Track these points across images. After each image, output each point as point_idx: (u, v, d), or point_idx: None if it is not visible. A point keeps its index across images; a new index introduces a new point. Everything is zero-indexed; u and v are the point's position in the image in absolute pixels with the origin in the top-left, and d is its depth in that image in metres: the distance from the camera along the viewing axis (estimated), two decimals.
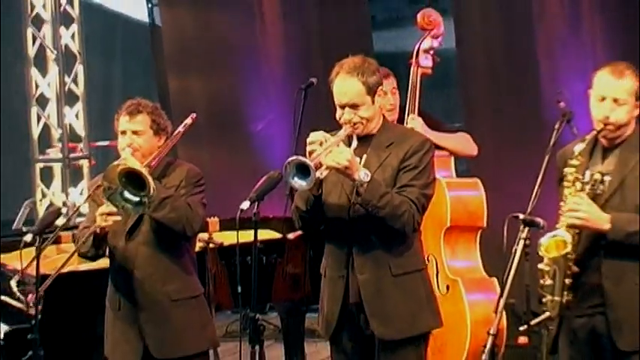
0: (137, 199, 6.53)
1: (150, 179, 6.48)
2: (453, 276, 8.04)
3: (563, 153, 6.41)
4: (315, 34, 10.89)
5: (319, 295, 8.55)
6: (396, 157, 6.45)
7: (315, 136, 6.30)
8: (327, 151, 6.19)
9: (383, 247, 6.42)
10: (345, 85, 6.48)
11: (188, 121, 7.21)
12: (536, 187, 6.35)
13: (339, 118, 6.53)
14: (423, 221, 7.88)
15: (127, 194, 6.52)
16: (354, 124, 6.45)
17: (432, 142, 7.91)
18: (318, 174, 6.10)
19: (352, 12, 11.31)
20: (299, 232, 8.75)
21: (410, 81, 8.38)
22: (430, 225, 8.08)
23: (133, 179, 6.53)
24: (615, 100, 6.16)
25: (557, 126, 6.67)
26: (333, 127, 6.84)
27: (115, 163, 6.64)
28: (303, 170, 6.06)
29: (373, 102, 6.49)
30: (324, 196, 6.46)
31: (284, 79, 10.47)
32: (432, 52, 8.49)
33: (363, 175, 6.19)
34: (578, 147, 6.22)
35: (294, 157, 6.11)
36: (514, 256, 6.28)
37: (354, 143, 6.42)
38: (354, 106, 6.45)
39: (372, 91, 6.46)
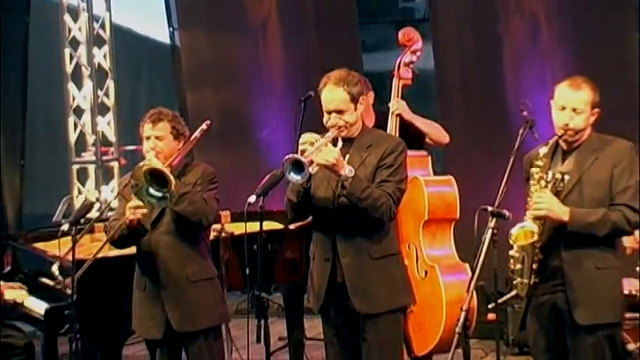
0: (160, 194, 6.57)
1: (171, 177, 6.53)
2: (430, 262, 8.02)
3: (529, 156, 6.44)
4: (313, 55, 10.87)
5: None
6: (375, 157, 6.52)
7: (306, 136, 6.37)
8: (318, 150, 6.25)
9: (363, 234, 6.49)
10: (332, 94, 6.55)
11: (203, 126, 7.22)
12: (503, 184, 6.38)
13: (326, 123, 6.58)
14: (404, 214, 8.05)
15: (151, 190, 6.56)
16: (339, 127, 6.50)
17: (409, 121, 8.34)
18: (310, 170, 6.15)
19: (345, 36, 11.34)
20: (299, 224, 8.79)
21: (392, 92, 8.37)
22: (411, 218, 8.11)
23: (156, 177, 6.58)
24: (574, 110, 6.19)
25: (520, 132, 6.70)
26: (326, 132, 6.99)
27: (141, 163, 6.68)
28: (298, 166, 6.15)
29: (356, 109, 6.56)
30: (313, 190, 6.52)
31: (285, 93, 10.45)
32: (411, 65, 8.47)
33: (347, 171, 6.29)
34: (542, 150, 6.27)
35: (290, 155, 6.19)
36: (483, 244, 6.31)
37: (339, 144, 6.45)
38: (340, 112, 6.51)
39: (355, 99, 6.53)
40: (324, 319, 6.72)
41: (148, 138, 7.06)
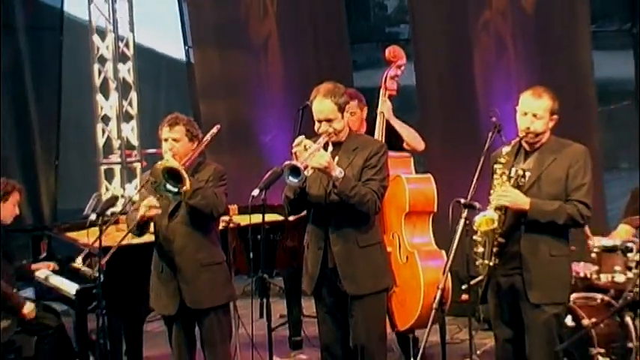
0: (176, 189, 6.61)
1: (185, 175, 6.57)
2: (411, 249, 8.02)
3: (494, 155, 6.46)
4: (309, 71, 10.86)
5: None
6: (361, 158, 6.58)
7: (299, 140, 6.41)
8: (312, 155, 6.30)
9: (351, 225, 6.55)
10: (322, 105, 6.57)
11: (214, 130, 7.24)
12: (474, 180, 6.42)
13: (318, 130, 6.62)
14: (389, 207, 8.11)
15: (168, 186, 6.59)
16: (329, 133, 6.55)
17: (392, 125, 8.31)
18: (305, 173, 6.22)
19: (338, 56, 11.31)
20: (298, 216, 8.78)
21: (379, 102, 8.36)
22: (394, 210, 8.12)
23: (172, 175, 6.61)
24: (534, 115, 6.23)
25: (490, 135, 6.73)
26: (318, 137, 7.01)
27: (159, 163, 6.70)
28: (296, 171, 6.22)
29: (342, 117, 6.60)
30: (307, 189, 6.58)
31: (285, 103, 10.46)
32: (396, 78, 8.44)
33: (338, 172, 6.35)
34: (506, 149, 6.31)
35: (288, 162, 6.26)
36: (457, 232, 6.33)
37: (330, 148, 6.52)
38: (329, 121, 6.55)
39: (341, 109, 6.58)
40: (316, 300, 6.79)
41: (165, 140, 7.06)
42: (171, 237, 6.95)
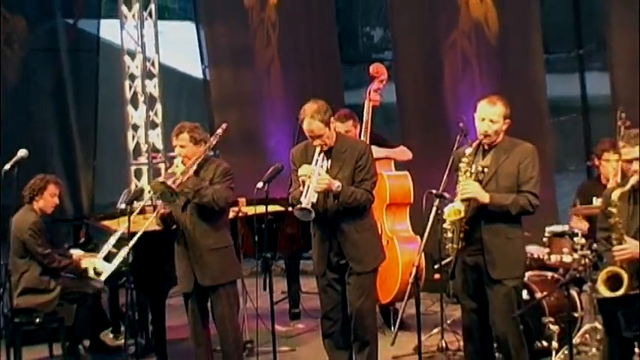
0: (172, 197, 6.77)
1: (173, 186, 6.72)
2: (391, 234, 8.08)
3: (457, 153, 6.47)
4: (306, 88, 10.79)
5: (309, 246, 8.78)
6: (351, 160, 6.63)
7: (304, 169, 6.48)
8: (314, 183, 6.37)
9: (350, 218, 6.58)
10: (311, 125, 6.57)
11: (219, 130, 7.27)
12: (445, 175, 6.46)
13: (312, 143, 6.64)
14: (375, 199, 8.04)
15: (168, 195, 6.69)
16: (321, 145, 6.59)
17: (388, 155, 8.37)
18: (313, 199, 6.35)
19: (332, 77, 11.27)
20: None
21: (364, 111, 8.35)
22: (377, 202, 8.05)
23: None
24: (490, 120, 6.21)
25: (457, 138, 6.77)
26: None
27: (153, 181, 7.21)
28: (307, 210, 6.34)
29: (329, 129, 6.61)
30: None
31: (285, 114, 10.41)
32: (379, 91, 8.44)
33: (336, 186, 6.45)
34: (468, 150, 6.28)
35: (299, 207, 6.37)
36: (430, 217, 6.33)
37: (327, 163, 6.62)
38: (319, 136, 6.57)
39: (327, 123, 6.59)
40: (321, 278, 6.78)
41: (174, 147, 7.12)
42: (185, 226, 6.98)
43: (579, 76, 9.90)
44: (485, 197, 6.17)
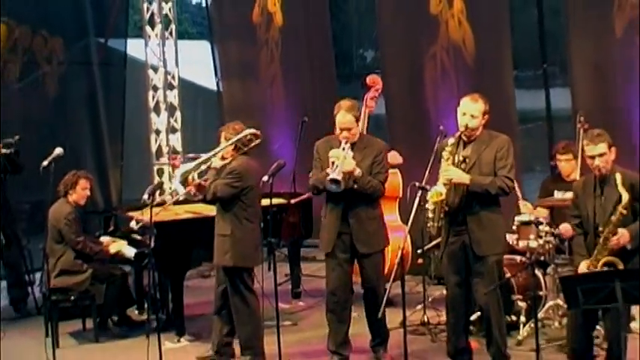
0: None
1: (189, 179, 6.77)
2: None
3: (440, 145, 6.46)
4: (305, 100, 10.84)
5: (309, 235, 8.92)
6: (371, 155, 6.71)
7: (336, 152, 6.51)
8: (343, 163, 6.42)
9: (363, 204, 6.64)
10: (344, 118, 6.60)
11: (241, 135, 7.07)
12: (427, 171, 6.39)
13: (339, 135, 6.66)
14: None
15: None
16: (348, 138, 6.59)
17: None
18: (339, 177, 6.37)
19: (328, 91, 11.11)
20: (298, 199, 8.77)
21: (362, 113, 8.32)
22: None
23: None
24: (471, 115, 6.24)
25: (438, 139, 6.71)
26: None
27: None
28: (336, 182, 6.35)
29: (358, 125, 6.70)
30: None
31: (288, 122, 10.46)
32: (374, 98, 8.45)
33: (358, 172, 6.51)
34: (450, 140, 6.34)
35: (332, 176, 6.38)
36: (413, 208, 6.31)
37: (351, 154, 6.60)
38: (349, 129, 6.59)
39: (357, 120, 6.67)
40: (330, 256, 6.79)
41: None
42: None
43: (544, 91, 9.89)
44: (465, 178, 6.21)
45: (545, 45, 9.94)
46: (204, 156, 6.88)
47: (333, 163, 6.48)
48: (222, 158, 7.01)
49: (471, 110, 6.33)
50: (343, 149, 6.58)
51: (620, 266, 5.82)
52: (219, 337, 6.98)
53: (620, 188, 5.83)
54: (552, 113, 9.82)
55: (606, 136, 5.99)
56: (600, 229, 5.92)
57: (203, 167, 6.83)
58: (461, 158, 6.35)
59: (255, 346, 6.83)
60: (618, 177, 5.87)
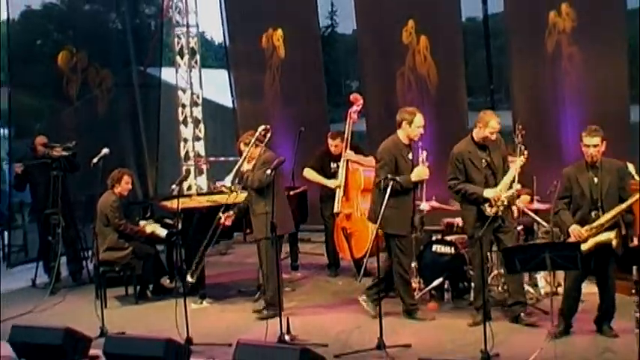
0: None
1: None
2: (362, 210, 7.94)
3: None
4: (301, 115, 10.61)
5: (305, 220, 8.90)
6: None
7: (422, 173, 6.66)
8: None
9: None
10: (422, 120, 6.61)
11: (257, 132, 7.13)
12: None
13: (417, 136, 6.61)
14: (353, 187, 8.13)
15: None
16: (421, 135, 6.58)
17: (357, 160, 8.19)
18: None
19: (319, 113, 10.97)
20: (295, 191, 8.72)
21: (346, 126, 8.30)
22: (355, 189, 8.10)
23: None
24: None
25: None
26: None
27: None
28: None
29: None
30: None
31: (286, 132, 10.27)
32: (357, 112, 8.38)
33: None
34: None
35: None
36: (385, 197, 6.27)
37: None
38: (424, 128, 6.61)
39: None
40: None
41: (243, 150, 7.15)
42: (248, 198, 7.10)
43: None
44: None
45: (493, 77, 9.97)
46: (237, 165, 7.00)
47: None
48: (249, 160, 7.04)
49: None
50: (423, 162, 6.62)
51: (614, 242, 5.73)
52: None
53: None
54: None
55: (600, 132, 5.90)
56: (599, 204, 5.81)
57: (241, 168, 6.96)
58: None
59: (276, 303, 6.84)
60: (612, 165, 5.90)
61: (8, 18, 9.85)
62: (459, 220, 7.51)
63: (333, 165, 8.40)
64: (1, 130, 11.57)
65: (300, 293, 8.02)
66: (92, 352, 6.13)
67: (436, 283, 7.28)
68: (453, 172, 6.49)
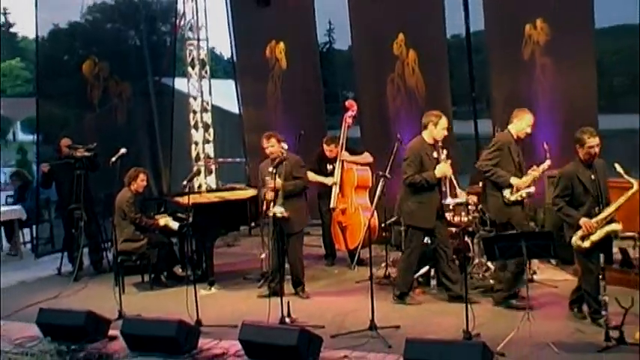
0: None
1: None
2: (356, 205, 7.95)
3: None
4: (301, 121, 10.43)
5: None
6: None
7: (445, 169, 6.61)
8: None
9: None
10: (446, 123, 6.58)
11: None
12: (389, 166, 6.34)
13: (442, 137, 6.53)
14: (347, 184, 8.06)
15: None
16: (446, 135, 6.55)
17: (353, 160, 8.15)
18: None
19: (318, 120, 10.90)
20: None
21: (342, 130, 8.29)
22: (349, 185, 8.07)
23: None
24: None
25: (396, 144, 6.68)
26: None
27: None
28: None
29: None
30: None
31: (287, 136, 10.05)
32: (352, 117, 8.35)
33: None
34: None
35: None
36: (377, 191, 6.25)
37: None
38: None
39: None
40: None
41: (265, 147, 7.13)
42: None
43: (474, 121, 9.84)
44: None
45: (475, 88, 9.97)
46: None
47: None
48: (271, 153, 7.04)
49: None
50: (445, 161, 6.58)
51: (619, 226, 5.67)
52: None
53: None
54: (479, 136, 9.72)
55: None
56: (600, 199, 5.71)
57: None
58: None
59: (303, 283, 7.09)
60: (600, 162, 5.81)
61: (37, 37, 9.81)
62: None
63: (329, 167, 8.38)
64: (32, 136, 11.56)
65: None
66: (111, 332, 6.14)
67: (422, 271, 7.27)
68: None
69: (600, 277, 5.44)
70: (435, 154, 6.55)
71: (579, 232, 5.63)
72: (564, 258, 7.18)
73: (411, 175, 6.41)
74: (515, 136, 6.43)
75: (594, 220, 5.65)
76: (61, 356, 5.64)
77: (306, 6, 10.68)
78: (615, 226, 5.65)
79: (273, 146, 7.06)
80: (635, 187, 5.60)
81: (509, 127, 6.50)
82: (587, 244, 5.59)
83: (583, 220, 5.65)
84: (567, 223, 5.79)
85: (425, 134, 6.63)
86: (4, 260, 9.91)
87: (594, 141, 5.73)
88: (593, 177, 5.74)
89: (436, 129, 6.56)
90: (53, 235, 9.95)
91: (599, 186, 5.72)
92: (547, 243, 5.42)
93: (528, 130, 6.39)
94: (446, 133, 6.58)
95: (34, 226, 10.22)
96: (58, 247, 9.36)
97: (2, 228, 10.44)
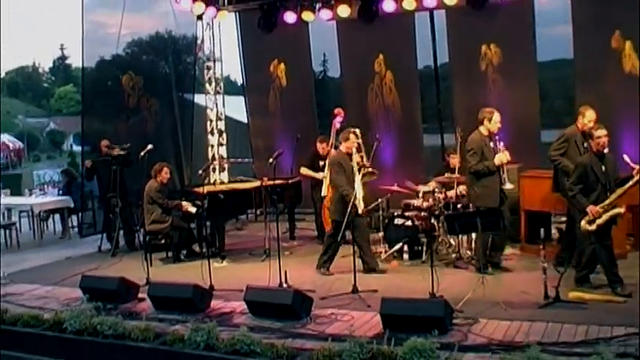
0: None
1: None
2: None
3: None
4: (298, 126, 10.31)
5: (300, 202, 8.56)
6: None
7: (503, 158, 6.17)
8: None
9: None
10: (499, 116, 6.22)
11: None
12: (370, 160, 6.24)
13: (497, 128, 6.15)
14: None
15: None
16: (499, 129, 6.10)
17: None
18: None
19: (311, 126, 10.65)
20: (292, 180, 8.58)
21: (332, 133, 8.21)
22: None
23: None
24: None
25: (375, 144, 6.59)
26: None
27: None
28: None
29: None
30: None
31: (286, 138, 10.11)
32: (340, 122, 8.25)
33: None
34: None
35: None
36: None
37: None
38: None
39: None
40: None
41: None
42: None
43: (440, 135, 9.75)
44: None
45: (441, 110, 9.88)
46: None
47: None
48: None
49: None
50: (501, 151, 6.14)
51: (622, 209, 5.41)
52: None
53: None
54: (445, 146, 9.52)
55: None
56: (608, 187, 5.43)
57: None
58: None
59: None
60: (610, 156, 5.56)
61: (82, 66, 9.91)
62: (414, 201, 7.44)
63: (321, 163, 8.29)
64: (79, 147, 11.43)
65: (296, 256, 7.90)
66: (140, 295, 6.11)
67: (397, 247, 7.19)
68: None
69: (542, 248, 5.37)
70: (491, 144, 6.25)
71: (587, 217, 5.43)
72: (512, 237, 7.14)
73: (474, 163, 6.13)
74: (580, 130, 6.06)
75: (600, 205, 5.41)
76: (99, 312, 5.60)
77: (303, 34, 10.61)
78: (618, 210, 5.42)
79: (353, 142, 6.71)
80: (636, 177, 5.41)
81: (577, 122, 6.11)
82: (593, 227, 5.39)
83: (589, 208, 5.42)
84: (577, 208, 5.60)
85: (482, 128, 6.27)
86: (56, 241, 9.96)
87: (602, 132, 5.46)
88: (604, 168, 5.50)
89: (490, 123, 6.21)
90: (95, 220, 9.93)
91: (608, 176, 5.52)
92: (497, 219, 5.35)
93: (591, 125, 5.86)
94: (499, 125, 6.21)
95: (79, 213, 10.29)
96: (99, 229, 9.32)
97: (55, 215, 10.60)
